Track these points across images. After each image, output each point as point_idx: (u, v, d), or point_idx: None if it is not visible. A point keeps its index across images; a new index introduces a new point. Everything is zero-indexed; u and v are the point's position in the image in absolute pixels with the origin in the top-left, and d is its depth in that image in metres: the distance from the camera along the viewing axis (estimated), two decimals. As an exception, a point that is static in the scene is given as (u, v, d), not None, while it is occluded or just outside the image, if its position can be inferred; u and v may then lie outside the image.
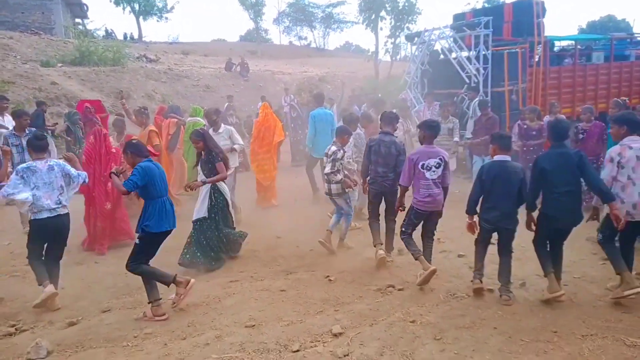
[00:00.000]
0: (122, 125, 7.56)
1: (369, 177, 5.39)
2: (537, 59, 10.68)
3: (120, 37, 33.41)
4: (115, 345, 3.75)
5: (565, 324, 3.80)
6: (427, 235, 4.94)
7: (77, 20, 30.26)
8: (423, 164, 4.63)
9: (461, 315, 4.02)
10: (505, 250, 4.39)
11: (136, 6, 36.24)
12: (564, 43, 13.19)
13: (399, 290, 4.60)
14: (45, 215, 4.37)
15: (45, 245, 4.53)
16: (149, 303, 4.23)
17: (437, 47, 11.85)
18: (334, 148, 5.65)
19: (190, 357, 3.49)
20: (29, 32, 21.11)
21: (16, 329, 4.04)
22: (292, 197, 8.18)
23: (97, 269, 5.46)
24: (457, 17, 12.39)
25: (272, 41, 46.62)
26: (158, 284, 4.31)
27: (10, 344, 3.81)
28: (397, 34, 24.12)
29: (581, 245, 5.54)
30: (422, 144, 4.81)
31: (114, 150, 6.26)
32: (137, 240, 4.29)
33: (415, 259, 4.72)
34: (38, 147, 4.53)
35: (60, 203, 4.46)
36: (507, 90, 10.09)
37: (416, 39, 12.05)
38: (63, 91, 14.59)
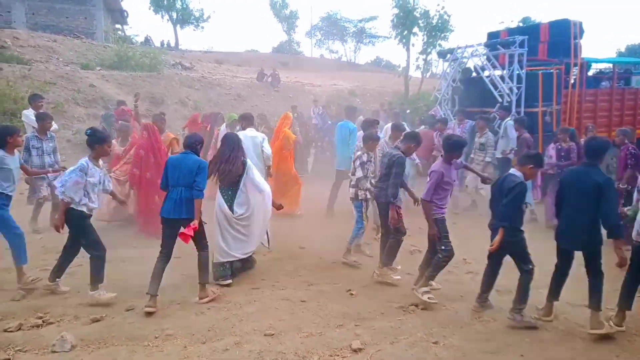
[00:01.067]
0: (127, 130, 7.53)
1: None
2: (573, 81, 10.46)
3: (157, 44, 34.48)
4: (136, 344, 3.79)
5: (598, 358, 3.64)
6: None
7: (117, 25, 31.38)
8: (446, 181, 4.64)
9: (486, 340, 3.91)
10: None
11: (174, 15, 37.35)
12: (602, 65, 12.87)
13: (422, 309, 4.51)
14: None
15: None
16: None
17: (470, 64, 11.76)
18: (358, 153, 5.69)
19: (209, 361, 3.50)
20: (72, 35, 21.99)
21: (43, 321, 4.12)
22: (315, 207, 8.15)
23: (125, 268, 5.55)
24: (492, 36, 12.30)
25: (304, 53, 47.24)
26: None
27: (37, 335, 3.89)
28: (429, 50, 24.00)
29: (616, 274, 5.32)
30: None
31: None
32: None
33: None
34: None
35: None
36: (540, 111, 9.90)
37: (448, 55, 12.00)
38: (100, 94, 15.07)
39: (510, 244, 4.10)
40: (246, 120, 7.11)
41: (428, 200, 4.55)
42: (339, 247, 6.26)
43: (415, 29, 23.64)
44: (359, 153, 5.80)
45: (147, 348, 3.72)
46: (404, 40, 23.85)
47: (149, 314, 4.27)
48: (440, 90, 12.50)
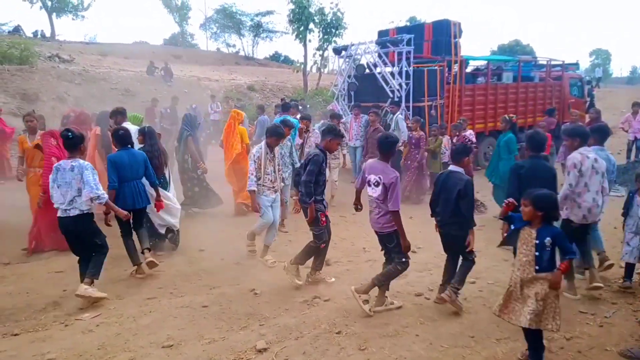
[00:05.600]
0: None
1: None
2: (453, 77, 11.36)
3: (29, 34, 30.81)
4: (10, 375, 3.33)
5: (481, 329, 3.99)
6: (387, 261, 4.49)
7: (-23, 12, 27.41)
8: (366, 178, 4.36)
9: (385, 324, 4.08)
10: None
11: (48, 2, 33.65)
12: (478, 63, 14.15)
13: (325, 301, 4.58)
14: (59, 213, 4.49)
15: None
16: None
17: (363, 61, 12.21)
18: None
19: (100, 383, 3.20)
20: None
21: None
22: (215, 208, 7.88)
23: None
24: (382, 34, 12.89)
25: (199, 47, 45.53)
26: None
27: None
28: (325, 46, 24.56)
29: (494, 252, 5.91)
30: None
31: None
32: None
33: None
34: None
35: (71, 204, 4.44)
36: (426, 105, 10.62)
37: (343, 52, 12.34)
38: (-43, 90, 13.08)
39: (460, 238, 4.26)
40: (120, 115, 6.71)
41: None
42: (240, 247, 6.13)
43: (311, 25, 24.04)
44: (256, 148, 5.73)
45: (23, 378, 3.30)
46: (301, 36, 24.13)
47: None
48: (337, 86, 12.82)
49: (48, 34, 33.45)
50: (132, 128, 6.18)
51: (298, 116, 9.15)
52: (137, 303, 4.53)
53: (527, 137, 4.94)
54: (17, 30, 29.63)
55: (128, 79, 19.46)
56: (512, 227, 3.52)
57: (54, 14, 34.90)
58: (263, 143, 5.63)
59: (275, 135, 5.60)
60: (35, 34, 32.24)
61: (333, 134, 4.92)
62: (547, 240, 3.25)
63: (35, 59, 17.95)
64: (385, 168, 4.24)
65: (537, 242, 3.27)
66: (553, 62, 14.51)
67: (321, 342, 3.77)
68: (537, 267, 3.27)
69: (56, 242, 5.83)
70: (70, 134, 4.49)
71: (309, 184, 4.76)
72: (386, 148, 4.30)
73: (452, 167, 4.40)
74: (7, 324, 4.14)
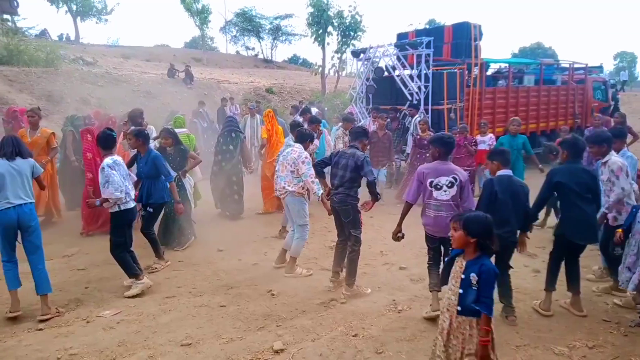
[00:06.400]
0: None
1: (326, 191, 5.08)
2: (473, 80, 11.25)
3: (55, 37, 31.64)
4: (34, 369, 3.42)
5: (501, 335, 3.92)
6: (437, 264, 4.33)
7: (6, 16, 28.23)
8: (432, 182, 4.13)
9: (402, 328, 4.05)
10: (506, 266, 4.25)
11: (73, 6, 34.49)
12: (499, 65, 13.99)
13: (342, 303, 4.57)
14: (132, 204, 4.81)
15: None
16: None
17: (382, 64, 12.17)
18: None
19: (120, 380, 3.26)
20: (-51, 25, 19.42)
21: None
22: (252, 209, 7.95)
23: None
24: (401, 37, 12.84)
25: (219, 50, 46.04)
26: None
27: None
28: (344, 49, 24.59)
29: (515, 257, 5.80)
30: (434, 160, 4.32)
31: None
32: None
33: (430, 291, 4.30)
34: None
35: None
36: (446, 108, 10.54)
37: (361, 55, 12.33)
38: (-14, 91, 13.49)
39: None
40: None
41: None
42: (257, 248, 6.18)
43: (330, 28, 24.11)
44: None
45: (46, 372, 3.38)
46: (319, 39, 24.21)
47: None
48: (356, 89, 12.82)
49: (72, 37, 34.28)
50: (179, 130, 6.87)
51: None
52: (156, 302, 4.60)
53: (566, 141, 4.58)
54: (43, 33, 30.41)
55: (149, 82, 19.79)
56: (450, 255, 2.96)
57: (79, 17, 35.73)
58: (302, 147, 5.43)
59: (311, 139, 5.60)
60: (60, 37, 33.15)
61: (366, 136, 5.05)
62: (472, 276, 2.68)
63: (60, 62, 18.39)
64: (455, 167, 4.20)
65: (463, 276, 2.73)
66: (576, 65, 14.24)
67: (338, 344, 3.77)
68: (458, 308, 2.75)
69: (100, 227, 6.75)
70: (114, 133, 4.87)
71: (375, 183, 4.71)
72: (450, 147, 4.28)
73: (507, 172, 4.20)
74: (32, 320, 4.25)
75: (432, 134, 8.89)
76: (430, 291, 4.29)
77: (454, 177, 4.09)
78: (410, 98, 10.72)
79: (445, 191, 4.09)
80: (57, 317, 4.27)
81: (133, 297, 4.68)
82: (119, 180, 4.59)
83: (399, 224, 4.27)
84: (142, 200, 5.39)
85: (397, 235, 4.31)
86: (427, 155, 8.55)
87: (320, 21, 23.50)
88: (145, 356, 3.55)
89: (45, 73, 16.30)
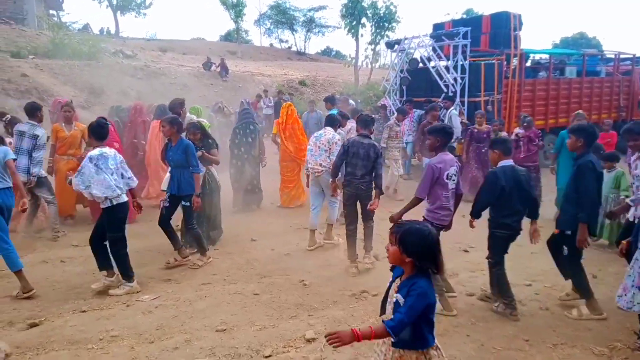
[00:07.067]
0: None
1: (342, 179, 5.36)
2: (512, 71, 10.93)
3: (96, 31, 32.71)
4: (79, 347, 3.59)
5: (537, 333, 3.84)
6: None
7: (52, 11, 29.41)
8: (448, 174, 4.15)
9: (435, 322, 4.01)
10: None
11: (114, 1, 35.51)
12: (539, 56, 13.52)
13: (374, 295, 4.57)
14: (125, 198, 4.63)
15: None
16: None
17: (417, 55, 11.99)
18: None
19: (158, 361, 3.38)
20: (-1, 21, 20.40)
21: (-27, 330, 3.83)
22: (265, 199, 8.06)
23: (63, 268, 5.26)
24: (437, 27, 12.60)
25: (253, 42, 46.41)
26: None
27: (-34, 345, 3.61)
28: (377, 41, 24.36)
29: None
30: (434, 152, 4.33)
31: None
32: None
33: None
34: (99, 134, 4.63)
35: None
36: (483, 100, 10.29)
37: (396, 46, 12.18)
38: (34, 84, 14.10)
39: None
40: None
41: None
42: (289, 239, 6.25)
43: (364, 20, 23.92)
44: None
45: (91, 351, 3.54)
46: (353, 31, 24.07)
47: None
48: (389, 81, 12.70)
49: (113, 31, 35.36)
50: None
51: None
52: (193, 288, 4.74)
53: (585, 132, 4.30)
54: (85, 28, 31.54)
55: (186, 74, 20.22)
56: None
57: (119, 11, 36.77)
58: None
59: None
60: (101, 31, 34.25)
61: (373, 124, 5.68)
62: (398, 296, 2.23)
63: (102, 55, 19.04)
64: (452, 156, 4.35)
65: (395, 299, 2.25)
66: (622, 56, 13.59)
67: (369, 336, 3.78)
68: (393, 339, 2.25)
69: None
70: (107, 122, 4.75)
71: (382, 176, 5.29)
72: (450, 138, 4.39)
73: (508, 162, 4.17)
74: (76, 302, 4.45)
75: (489, 127, 8.60)
76: None
77: (457, 166, 4.29)
78: (445, 90, 10.53)
79: (453, 180, 4.21)
80: (97, 300, 4.45)
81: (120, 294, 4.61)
82: (89, 175, 4.36)
83: (401, 214, 4.15)
84: (172, 190, 5.27)
85: (398, 222, 4.26)
86: (485, 149, 8.18)
87: (354, 12, 23.35)
88: (182, 340, 3.67)
89: (88, 66, 16.92)
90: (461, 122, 9.15)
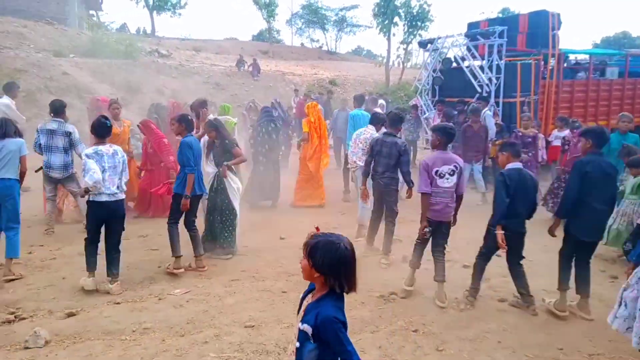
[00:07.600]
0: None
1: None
2: (550, 72, 10.60)
3: (133, 31, 33.66)
4: (113, 338, 3.71)
5: (572, 342, 3.72)
6: (437, 249, 4.54)
7: (91, 12, 30.45)
8: (437, 171, 4.34)
9: (465, 327, 3.95)
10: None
11: (150, 1, 36.42)
12: (579, 57, 13.07)
13: (402, 298, 4.53)
14: (104, 198, 4.51)
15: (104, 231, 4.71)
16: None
17: (450, 54, 11.79)
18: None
19: (188, 354, 3.46)
20: (43, 21, 21.24)
21: (15, 317, 4.00)
22: (292, 198, 8.10)
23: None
24: (472, 26, 12.36)
25: (284, 42, 46.72)
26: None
27: (9, 331, 3.78)
28: (410, 40, 24.10)
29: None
30: (435, 150, 4.54)
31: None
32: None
33: (409, 267, 4.66)
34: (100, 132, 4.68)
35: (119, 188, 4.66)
36: (518, 101, 10.02)
37: (429, 45, 12.01)
38: (74, 82, 14.64)
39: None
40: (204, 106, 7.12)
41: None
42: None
43: (396, 19, 23.71)
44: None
45: (124, 342, 3.65)
46: (385, 30, 23.89)
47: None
48: (421, 80, 12.54)
49: (149, 31, 36.27)
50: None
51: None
52: (222, 284, 4.82)
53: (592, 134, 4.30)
54: (123, 27, 32.54)
55: (219, 73, 20.56)
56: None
57: (155, 11, 37.68)
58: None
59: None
60: (137, 31, 35.18)
61: (402, 122, 5.96)
62: (304, 326, 1.94)
63: (138, 54, 19.59)
64: (455, 156, 4.49)
65: (300, 326, 2.00)
66: (669, 56, 12.97)
67: (397, 338, 3.75)
68: None
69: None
70: (108, 121, 4.73)
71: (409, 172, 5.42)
72: (451, 137, 4.48)
73: (516, 164, 4.23)
74: (109, 294, 4.59)
75: (535, 131, 8.25)
76: (410, 267, 4.64)
77: (455, 166, 4.36)
78: (479, 90, 10.30)
79: (447, 179, 4.34)
80: (131, 293, 4.58)
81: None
82: (94, 169, 4.40)
83: (424, 218, 4.40)
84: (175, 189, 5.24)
85: (425, 231, 4.44)
86: (531, 154, 7.82)
87: (386, 11, 23.18)
88: (212, 334, 3.74)
89: (125, 65, 17.43)
90: (496, 124, 8.93)
